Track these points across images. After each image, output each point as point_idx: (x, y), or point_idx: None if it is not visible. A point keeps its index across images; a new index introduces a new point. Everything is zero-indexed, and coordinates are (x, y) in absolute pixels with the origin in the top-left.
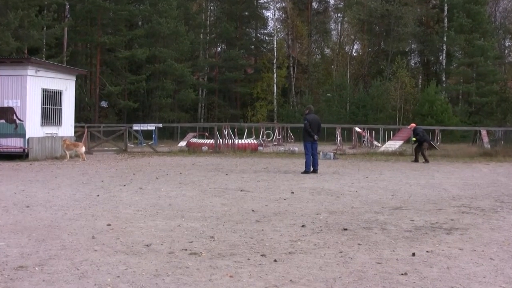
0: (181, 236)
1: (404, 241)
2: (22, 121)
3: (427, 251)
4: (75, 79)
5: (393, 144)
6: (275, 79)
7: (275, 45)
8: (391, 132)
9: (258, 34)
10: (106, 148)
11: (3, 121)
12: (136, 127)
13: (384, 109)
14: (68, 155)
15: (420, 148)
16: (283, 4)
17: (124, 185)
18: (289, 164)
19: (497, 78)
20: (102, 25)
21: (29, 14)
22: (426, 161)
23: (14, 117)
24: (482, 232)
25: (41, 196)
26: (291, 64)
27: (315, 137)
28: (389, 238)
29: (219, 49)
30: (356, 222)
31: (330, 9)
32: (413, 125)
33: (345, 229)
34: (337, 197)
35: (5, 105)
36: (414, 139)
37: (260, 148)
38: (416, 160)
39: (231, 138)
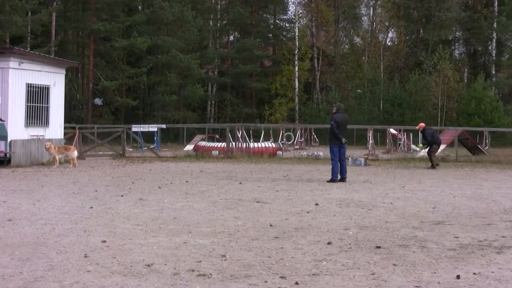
0: (188, 254)
1: (447, 261)
2: (4, 121)
3: (474, 273)
4: (64, 73)
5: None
6: (297, 73)
7: (296, 33)
8: None
9: (277, 21)
10: (100, 153)
11: None
12: (135, 128)
13: (424, 108)
14: (57, 161)
15: (430, 151)
16: None
17: (122, 196)
18: (313, 172)
19: None
20: (96, 10)
21: None
22: (432, 166)
23: None
24: None
25: (25, 208)
26: (315, 55)
27: (343, 140)
28: (430, 257)
29: (231, 37)
30: (391, 239)
31: None
32: (422, 125)
33: (378, 247)
34: (369, 210)
35: None
36: (421, 144)
37: (279, 152)
38: (433, 167)
39: (245, 141)
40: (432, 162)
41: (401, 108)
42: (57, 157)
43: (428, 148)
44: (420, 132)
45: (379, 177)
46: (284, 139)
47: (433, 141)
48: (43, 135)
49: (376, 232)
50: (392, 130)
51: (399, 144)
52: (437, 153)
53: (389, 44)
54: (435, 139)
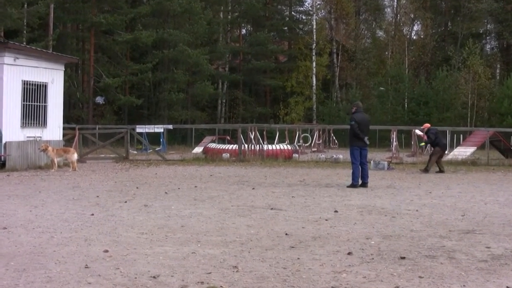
0: (197, 265)
1: (477, 273)
2: None
3: (507, 287)
4: (63, 69)
5: (463, 151)
6: (314, 69)
7: (314, 26)
8: (461, 135)
9: (292, 12)
10: (102, 155)
11: None
12: (140, 129)
13: (452, 107)
14: (55, 164)
15: (432, 153)
16: None
17: (125, 202)
18: (331, 176)
19: None
20: (97, 1)
21: None
22: (426, 170)
23: None
24: None
25: (21, 215)
26: (334, 50)
27: (366, 140)
28: (459, 269)
29: (243, 31)
30: (417, 249)
31: None
32: (427, 125)
33: (403, 258)
34: (393, 218)
35: None
36: (422, 144)
37: (295, 155)
38: (426, 170)
39: (258, 143)
40: (429, 165)
41: (427, 107)
42: (55, 160)
43: (431, 150)
44: (425, 133)
45: (404, 182)
46: (301, 141)
47: (436, 143)
48: (40, 137)
49: (401, 242)
50: (418, 131)
51: (425, 146)
52: (467, 155)
53: (414, 37)
54: (439, 140)
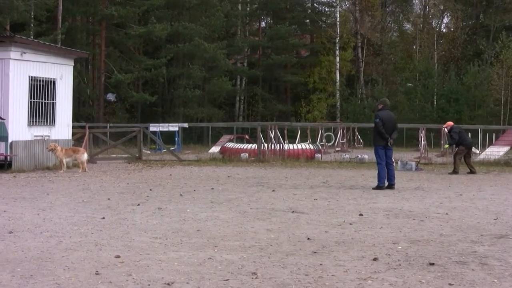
0: (213, 272)
1: (511, 280)
2: (4, 119)
3: None
4: (73, 64)
5: (496, 151)
6: (338, 64)
7: (337, 19)
8: (494, 134)
9: (315, 4)
10: (114, 156)
11: None
12: (153, 127)
13: (484, 104)
14: (64, 165)
15: (456, 152)
16: None
17: (138, 205)
18: (356, 177)
19: None
20: None
21: None
22: (455, 171)
23: None
24: None
25: (28, 218)
26: (359, 44)
27: (390, 140)
28: (491, 276)
29: (263, 24)
30: (447, 254)
31: None
32: (450, 123)
33: (432, 264)
34: (421, 221)
35: None
36: (446, 145)
37: (317, 155)
38: (455, 171)
39: (279, 142)
40: (455, 166)
41: (458, 104)
42: (64, 161)
43: (455, 150)
44: (447, 132)
45: (433, 184)
46: (324, 140)
47: (460, 142)
48: (48, 136)
49: (429, 247)
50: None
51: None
52: (500, 155)
53: (444, 30)
54: (463, 139)
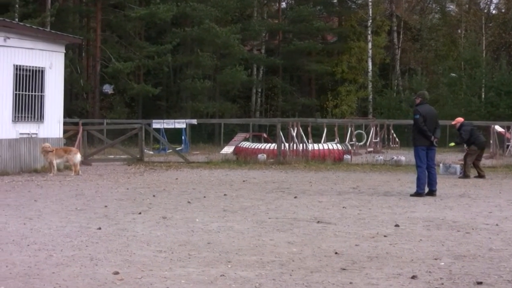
0: None
1: None
2: None
3: None
4: (64, 51)
5: None
6: (370, 51)
7: None
8: None
9: None
10: (111, 157)
11: None
12: (157, 124)
13: None
14: (54, 167)
15: (467, 153)
16: None
17: (140, 213)
18: (391, 182)
19: None
20: None
21: None
22: (465, 175)
23: None
24: None
25: (13, 228)
26: (395, 28)
27: (434, 139)
28: None
29: (283, 4)
30: (497, 272)
31: None
32: (460, 119)
33: (480, 283)
34: (467, 234)
35: None
36: (452, 143)
37: (346, 157)
38: (479, 175)
39: (302, 141)
40: (466, 169)
41: (509, 98)
42: (54, 162)
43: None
44: (457, 130)
45: (481, 190)
46: (354, 139)
47: (472, 141)
48: (36, 133)
49: (477, 263)
50: (498, 128)
51: (508, 146)
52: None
53: (493, 12)
54: (475, 138)
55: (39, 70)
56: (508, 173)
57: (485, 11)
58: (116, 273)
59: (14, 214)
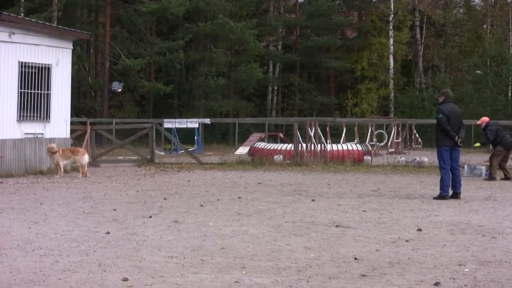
0: None
1: None
2: None
3: None
4: (71, 48)
5: None
6: (392, 47)
7: None
8: None
9: None
10: (121, 158)
11: None
12: (168, 123)
13: None
14: (61, 168)
15: (492, 155)
16: None
17: (150, 217)
18: (413, 184)
19: None
20: None
21: None
22: (491, 177)
23: None
24: None
25: (17, 233)
26: (418, 23)
27: (458, 139)
28: None
29: None
30: None
31: None
32: (485, 119)
33: None
34: (493, 238)
35: None
36: (477, 144)
37: (366, 158)
38: (506, 177)
39: (320, 141)
40: (492, 170)
41: None
42: (61, 164)
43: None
44: (482, 130)
45: (507, 193)
46: (374, 139)
47: (498, 141)
48: (42, 133)
49: (503, 269)
50: None
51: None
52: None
53: None
54: (502, 138)
55: (45, 67)
56: None
57: None
58: (125, 279)
59: (19, 217)
